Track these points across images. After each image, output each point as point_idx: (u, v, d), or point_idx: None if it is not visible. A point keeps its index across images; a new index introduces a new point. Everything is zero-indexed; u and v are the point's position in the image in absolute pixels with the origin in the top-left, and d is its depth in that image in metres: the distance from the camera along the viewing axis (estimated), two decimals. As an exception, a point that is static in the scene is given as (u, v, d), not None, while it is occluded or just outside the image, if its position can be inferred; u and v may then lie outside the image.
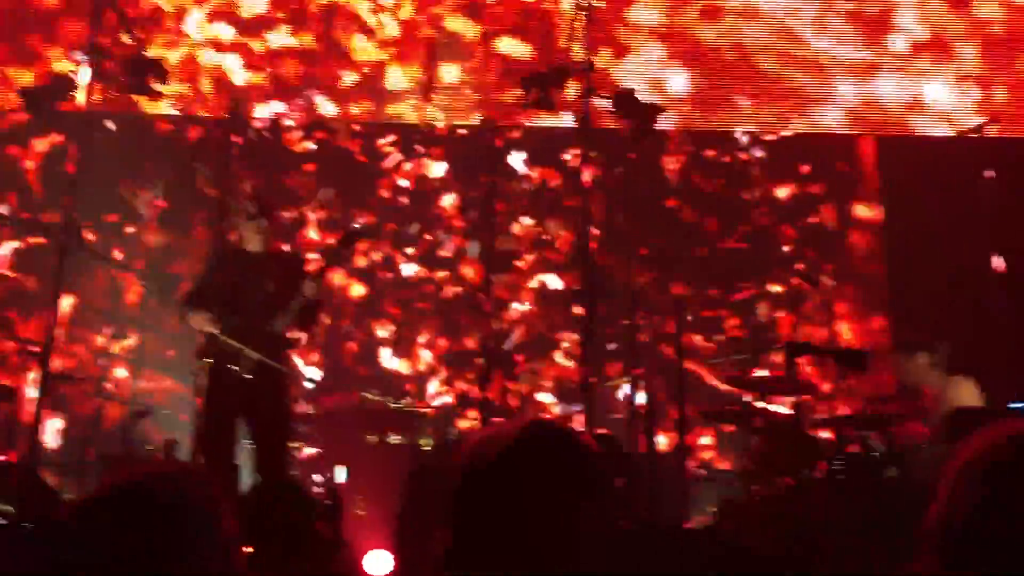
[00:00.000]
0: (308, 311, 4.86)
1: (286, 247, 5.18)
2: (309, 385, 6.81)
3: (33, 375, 5.52)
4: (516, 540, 1.40)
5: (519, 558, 1.38)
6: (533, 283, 7.91)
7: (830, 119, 7.85)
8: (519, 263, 7.89)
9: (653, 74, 7.63)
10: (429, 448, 7.04)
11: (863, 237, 8.02)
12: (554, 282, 7.82)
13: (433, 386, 7.67)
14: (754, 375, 5.42)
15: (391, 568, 4.82)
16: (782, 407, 5.50)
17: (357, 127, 7.93)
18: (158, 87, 5.71)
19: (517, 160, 7.95)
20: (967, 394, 5.53)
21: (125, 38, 5.69)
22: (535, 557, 1.38)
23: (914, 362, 5.62)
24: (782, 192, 8.05)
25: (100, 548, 1.40)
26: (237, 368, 4.64)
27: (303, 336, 5.05)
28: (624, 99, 6.01)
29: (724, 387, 6.10)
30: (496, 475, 1.44)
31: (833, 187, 8.08)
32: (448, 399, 7.57)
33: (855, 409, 5.35)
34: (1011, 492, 1.34)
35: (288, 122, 7.76)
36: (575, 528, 1.42)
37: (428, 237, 7.90)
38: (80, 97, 5.45)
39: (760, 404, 5.42)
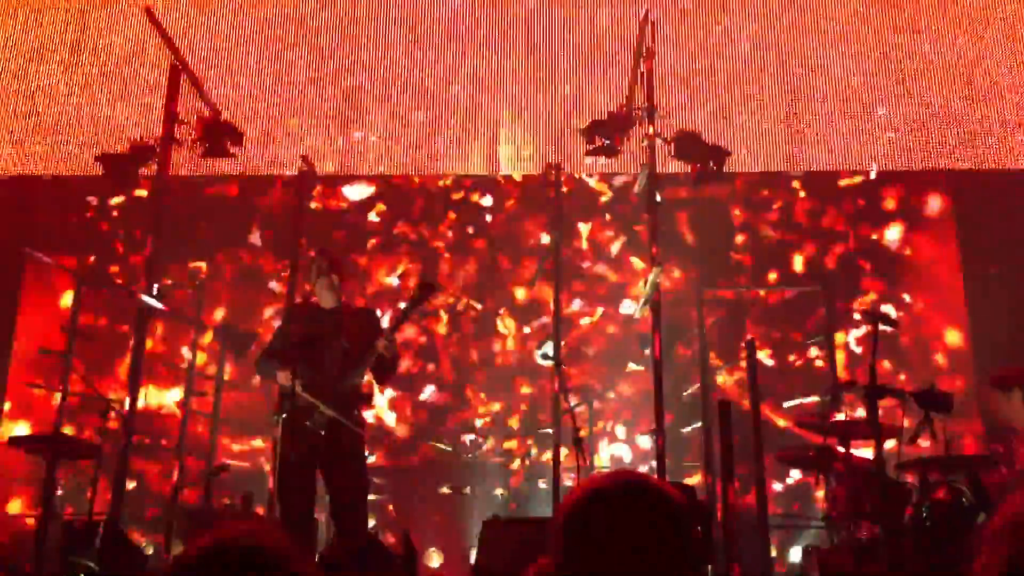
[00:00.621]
0: (384, 365, 4.88)
1: (360, 302, 5.23)
2: (383, 437, 6.85)
3: (114, 432, 5.65)
4: None
5: None
6: (606, 329, 7.88)
7: (902, 154, 7.71)
8: (588, 312, 7.88)
9: (718, 117, 7.61)
10: (502, 497, 7.02)
11: (941, 271, 7.83)
12: (623, 328, 7.78)
13: (505, 436, 7.65)
14: (834, 419, 5.28)
15: (466, 619, 4.77)
16: (864, 451, 5.35)
17: (417, 179, 8.06)
18: (233, 150, 5.91)
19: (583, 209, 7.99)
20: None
21: (202, 107, 5.90)
22: None
23: (1010, 398, 5.38)
24: (856, 230, 7.92)
25: None
26: (312, 423, 4.68)
27: (380, 389, 5.07)
28: (687, 142, 6.01)
29: (801, 432, 5.96)
30: (592, 522, 1.53)
31: (908, 223, 7.93)
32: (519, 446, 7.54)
33: (940, 452, 5.15)
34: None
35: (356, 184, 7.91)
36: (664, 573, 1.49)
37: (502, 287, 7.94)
38: (158, 161, 5.66)
39: (841, 449, 5.28)
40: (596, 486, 1.57)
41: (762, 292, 7.76)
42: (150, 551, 6.49)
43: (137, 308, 5.74)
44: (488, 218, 8.10)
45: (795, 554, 6.82)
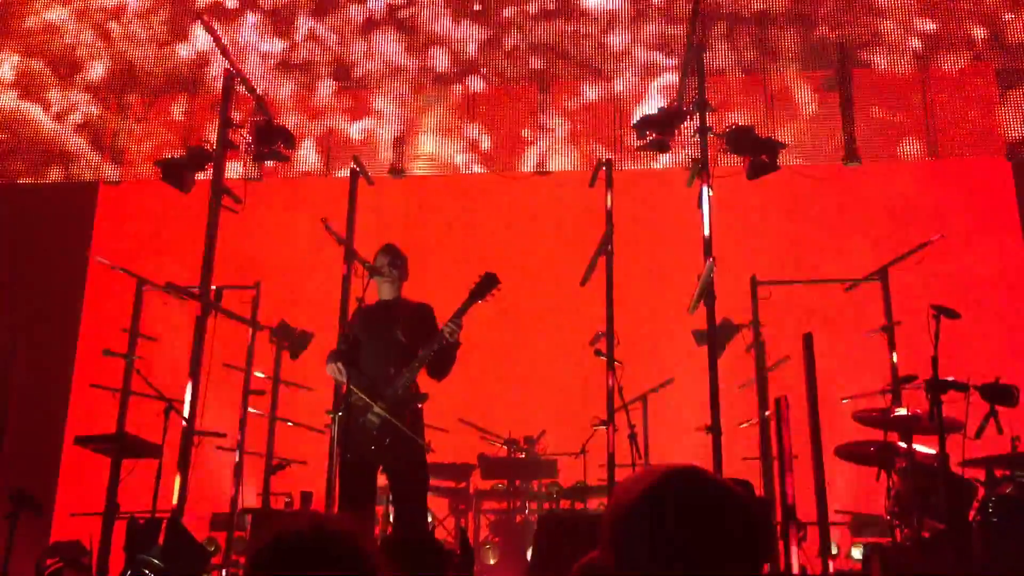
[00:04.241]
0: (443, 356, 4.88)
1: (417, 298, 5.24)
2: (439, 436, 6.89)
3: (177, 432, 5.76)
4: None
5: None
6: (660, 324, 7.83)
7: (960, 143, 7.52)
8: (641, 307, 7.83)
9: (770, 108, 7.49)
10: (556, 493, 7.01)
11: (1004, 263, 7.64)
12: (677, 323, 7.72)
13: (560, 431, 7.64)
14: (895, 414, 5.18)
15: (523, 616, 4.78)
16: (927, 447, 5.24)
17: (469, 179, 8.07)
18: (287, 153, 5.98)
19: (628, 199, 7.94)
20: None
21: (256, 111, 5.99)
22: None
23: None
24: (913, 220, 7.77)
25: None
26: (366, 422, 4.72)
27: (438, 382, 5.06)
28: (740, 136, 5.94)
29: (863, 426, 5.85)
30: (645, 512, 1.51)
31: (971, 212, 7.75)
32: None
33: (1007, 448, 5.03)
34: None
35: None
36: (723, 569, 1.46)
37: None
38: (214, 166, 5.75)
39: (903, 444, 5.18)
40: (648, 481, 1.54)
41: (819, 284, 7.64)
42: (212, 548, 6.61)
43: (196, 310, 5.84)
44: (539, 215, 8.09)
45: (857, 552, 6.71)
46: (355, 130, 7.77)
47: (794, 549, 5.31)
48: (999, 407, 4.67)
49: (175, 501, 5.27)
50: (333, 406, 4.97)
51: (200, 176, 6.25)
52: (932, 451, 5.09)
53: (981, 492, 4.92)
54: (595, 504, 7.03)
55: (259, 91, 6.21)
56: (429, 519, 5.86)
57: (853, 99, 7.30)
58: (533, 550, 5.34)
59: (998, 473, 5.00)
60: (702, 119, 5.85)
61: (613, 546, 1.53)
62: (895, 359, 6.88)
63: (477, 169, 7.86)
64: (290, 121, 7.25)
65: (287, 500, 6.91)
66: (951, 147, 7.29)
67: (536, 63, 7.68)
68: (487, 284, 4.91)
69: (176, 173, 6.16)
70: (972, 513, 4.79)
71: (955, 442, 5.18)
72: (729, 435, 6.45)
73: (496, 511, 7.37)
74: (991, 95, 7.27)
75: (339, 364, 4.77)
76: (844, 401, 7.03)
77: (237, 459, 6.92)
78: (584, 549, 3.09)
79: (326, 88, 7.78)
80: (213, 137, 6.09)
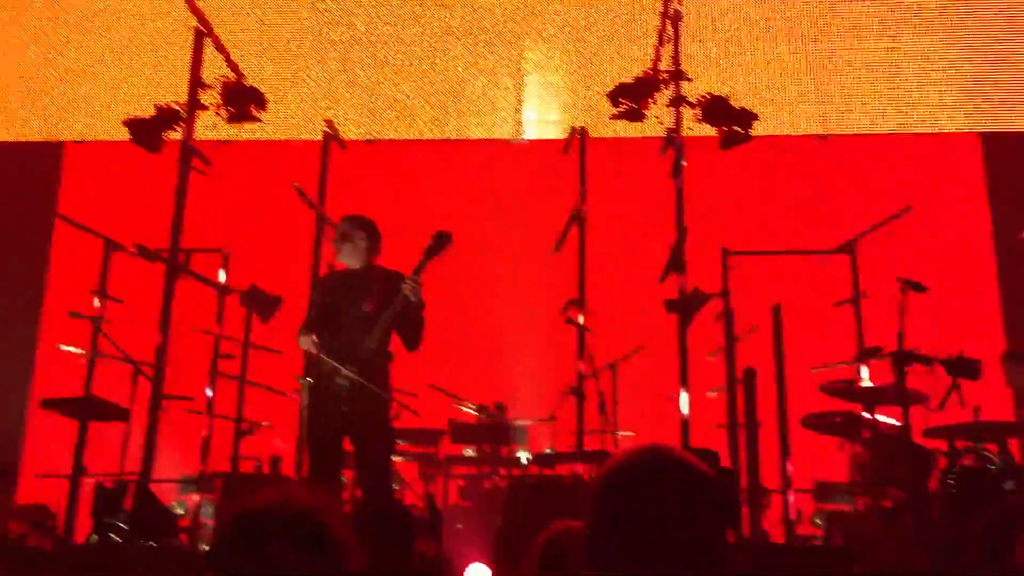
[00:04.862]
0: (410, 319, 4.87)
1: (387, 265, 5.21)
2: (409, 400, 6.89)
3: (144, 396, 5.72)
4: (642, 552, 1.52)
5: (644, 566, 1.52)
6: (630, 293, 7.85)
7: (934, 116, 7.57)
8: (612, 276, 7.85)
9: (747, 80, 7.49)
10: (527, 460, 7.05)
11: (971, 239, 7.73)
12: (648, 293, 7.75)
13: (531, 398, 7.67)
14: (860, 385, 5.26)
15: (490, 581, 4.83)
16: (890, 418, 5.33)
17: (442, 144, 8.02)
18: (258, 114, 5.90)
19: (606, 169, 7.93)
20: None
21: (226, 70, 5.88)
22: (657, 564, 1.51)
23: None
24: (883, 194, 7.82)
25: (242, 569, 1.49)
26: (335, 387, 4.71)
27: (412, 351, 5.04)
28: (715, 106, 5.93)
29: (828, 397, 5.93)
30: (622, 494, 1.57)
31: (939, 187, 7.81)
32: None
33: (968, 419, 5.12)
34: None
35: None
36: (693, 543, 1.53)
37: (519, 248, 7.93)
38: (184, 127, 5.66)
39: (867, 415, 5.26)
40: (626, 459, 1.61)
41: (789, 255, 7.70)
42: (180, 512, 6.60)
43: (165, 272, 5.78)
44: (512, 183, 8.06)
45: (819, 519, 6.82)
46: (329, 93, 7.68)
47: (758, 515, 5.41)
48: (962, 380, 4.75)
49: (142, 465, 5.24)
50: (304, 372, 4.95)
51: (171, 136, 6.15)
52: (895, 422, 5.18)
53: (943, 462, 5.01)
54: (564, 471, 7.08)
55: (231, 49, 6.10)
56: (396, 485, 5.87)
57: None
58: (502, 516, 5.39)
59: (959, 444, 5.10)
60: (676, 89, 5.84)
61: (593, 522, 1.60)
62: (861, 331, 6.96)
63: (451, 135, 7.82)
64: (263, 82, 7.14)
65: (256, 464, 6.91)
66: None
67: (515, 27, 7.62)
68: (440, 242, 4.89)
69: (145, 133, 6.05)
70: (933, 482, 4.89)
71: (919, 413, 5.28)
72: (698, 404, 6.52)
73: (466, 476, 7.40)
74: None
75: (313, 337, 4.75)
76: (812, 371, 7.14)
77: (206, 423, 6.89)
78: (553, 515, 3.13)
79: (301, 49, 7.67)
80: (183, 97, 5.99)
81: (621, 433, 6.87)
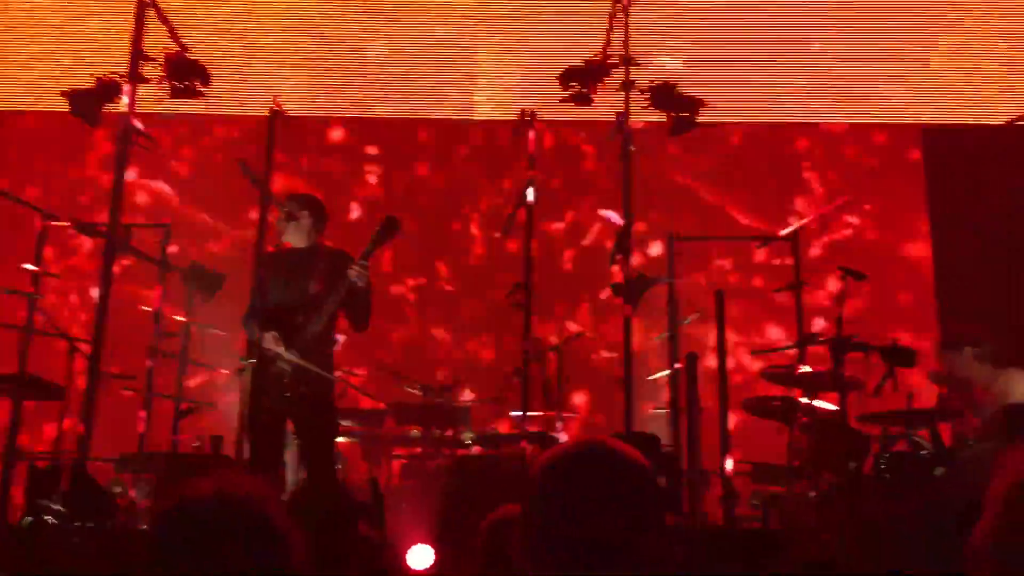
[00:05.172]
0: (358, 302, 4.83)
1: (331, 244, 5.17)
2: (352, 380, 6.86)
3: (83, 374, 5.61)
4: (583, 551, 1.54)
5: (587, 566, 1.53)
6: (578, 276, 7.89)
7: (879, 107, 7.70)
8: (560, 259, 7.88)
9: (696, 67, 7.54)
10: (470, 441, 7.07)
11: (908, 231, 7.90)
12: (596, 276, 7.80)
13: (477, 380, 7.68)
14: (799, 371, 5.36)
15: (432, 562, 4.83)
16: (828, 403, 5.44)
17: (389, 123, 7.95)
18: (201, 89, 5.78)
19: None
20: (1017, 388, 5.42)
21: (169, 43, 5.75)
22: (599, 565, 1.53)
23: (960, 357, 5.53)
24: (825, 183, 7.96)
25: (179, 560, 1.47)
26: (276, 371, 4.66)
27: (360, 332, 5.01)
28: (663, 93, 5.97)
29: (768, 382, 6.04)
30: (559, 486, 1.59)
31: (877, 178, 7.96)
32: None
33: (902, 406, 5.26)
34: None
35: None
36: (631, 538, 1.55)
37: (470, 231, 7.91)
38: (125, 100, 5.53)
39: (805, 400, 5.36)
40: (563, 452, 1.63)
41: (729, 239, 7.80)
42: (118, 489, 6.49)
43: (103, 247, 5.66)
44: (462, 164, 8.02)
45: (756, 499, 6.95)
46: (277, 69, 7.56)
47: (698, 497, 5.50)
48: (897, 367, 4.87)
49: (79, 445, 5.15)
50: (246, 354, 4.90)
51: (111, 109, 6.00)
52: (832, 407, 5.29)
53: (876, 447, 5.14)
54: (507, 453, 7.11)
55: (174, 22, 5.96)
56: (339, 466, 5.85)
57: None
58: (445, 497, 5.40)
59: (893, 430, 5.23)
60: (626, 73, 5.86)
61: (531, 512, 1.61)
62: (801, 318, 7.09)
63: (401, 114, 7.76)
64: (208, 56, 6.99)
65: (196, 444, 6.82)
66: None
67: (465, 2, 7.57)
68: (388, 228, 4.86)
69: (85, 106, 5.90)
70: (866, 467, 5.01)
71: (856, 399, 5.40)
72: (641, 387, 6.59)
73: (409, 457, 7.39)
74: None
75: (257, 328, 4.70)
76: (752, 355, 7.26)
77: (145, 402, 6.78)
78: (495, 496, 3.14)
79: (248, 25, 7.53)
80: (125, 69, 5.84)
81: (566, 415, 6.92)
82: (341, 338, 5.26)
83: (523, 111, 6.88)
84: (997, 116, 7.41)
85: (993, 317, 6.27)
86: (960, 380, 5.62)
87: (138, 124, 5.73)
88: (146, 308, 6.93)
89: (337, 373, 5.09)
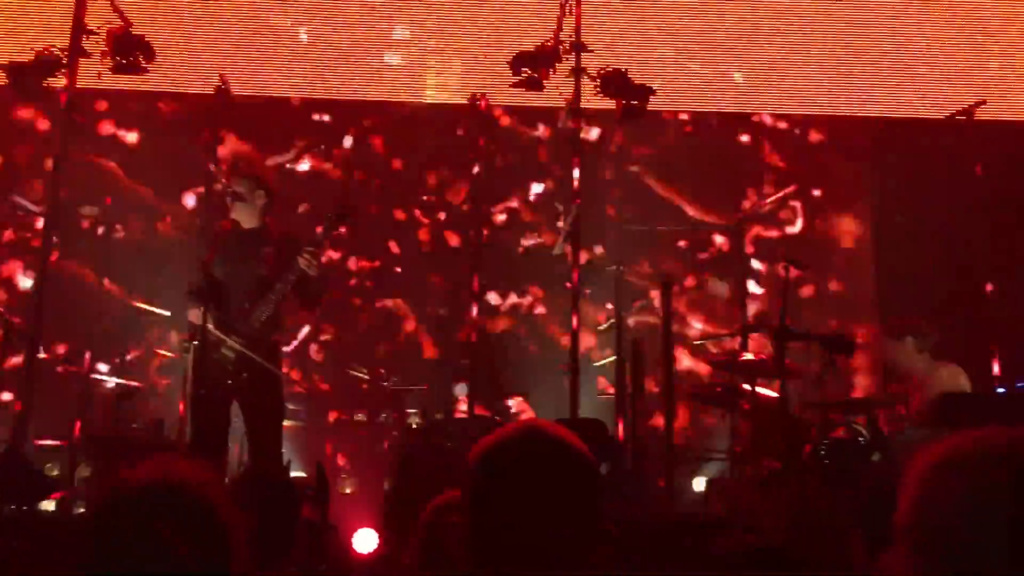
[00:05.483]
0: (309, 287, 4.80)
1: (281, 227, 5.10)
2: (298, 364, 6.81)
3: (20, 357, 5.49)
4: (522, 539, 1.53)
5: (526, 554, 1.51)
6: (528, 261, 7.89)
7: (829, 99, 7.78)
8: (510, 244, 7.88)
9: (648, 54, 7.56)
10: (416, 426, 7.06)
11: (850, 222, 8.04)
12: (544, 262, 7.82)
13: (421, 362, 7.66)
14: (742, 359, 5.44)
15: (376, 546, 4.84)
16: (769, 391, 5.53)
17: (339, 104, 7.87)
18: (145, 64, 5.67)
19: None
20: (953, 379, 5.58)
21: (113, 17, 5.62)
22: (538, 553, 1.51)
23: (902, 347, 5.68)
24: (768, 173, 8.06)
25: (120, 548, 1.44)
26: (220, 357, 4.61)
27: (310, 312, 4.96)
28: (613, 80, 5.99)
29: (711, 369, 6.13)
30: (498, 472, 1.58)
31: (819, 170, 8.08)
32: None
33: (841, 395, 5.38)
34: (994, 498, 1.35)
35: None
36: (571, 526, 1.55)
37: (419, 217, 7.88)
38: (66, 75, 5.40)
39: (747, 387, 5.45)
40: (500, 440, 1.61)
41: (676, 229, 7.86)
42: (55, 472, 6.35)
43: (43, 227, 5.53)
44: (409, 147, 7.97)
45: (699, 485, 7.06)
46: (223, 46, 7.43)
47: (641, 483, 5.56)
48: (837, 356, 4.96)
49: (14, 428, 5.04)
50: (189, 336, 4.82)
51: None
52: (773, 394, 5.39)
53: (815, 435, 5.25)
54: (452, 437, 7.11)
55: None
56: (285, 452, 5.80)
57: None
58: (390, 481, 5.39)
59: (832, 417, 5.35)
60: (577, 60, 5.87)
61: (470, 499, 1.60)
62: (745, 307, 7.20)
63: (350, 95, 7.67)
64: (152, 31, 6.85)
65: (137, 427, 6.70)
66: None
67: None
68: (340, 217, 4.84)
69: (24, 80, 5.74)
70: (806, 454, 5.11)
71: (797, 387, 5.52)
72: (588, 373, 6.64)
73: (355, 441, 7.36)
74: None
75: (201, 311, 4.63)
76: (696, 344, 7.35)
77: (84, 384, 6.63)
78: (441, 481, 3.14)
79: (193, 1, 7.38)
80: (65, 43, 5.69)
81: (512, 400, 6.94)
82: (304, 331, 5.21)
83: (472, 95, 6.86)
84: (939, 110, 7.55)
85: (931, 309, 6.41)
86: (897, 369, 5.77)
87: (77, 103, 5.59)
88: (88, 290, 6.80)
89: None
